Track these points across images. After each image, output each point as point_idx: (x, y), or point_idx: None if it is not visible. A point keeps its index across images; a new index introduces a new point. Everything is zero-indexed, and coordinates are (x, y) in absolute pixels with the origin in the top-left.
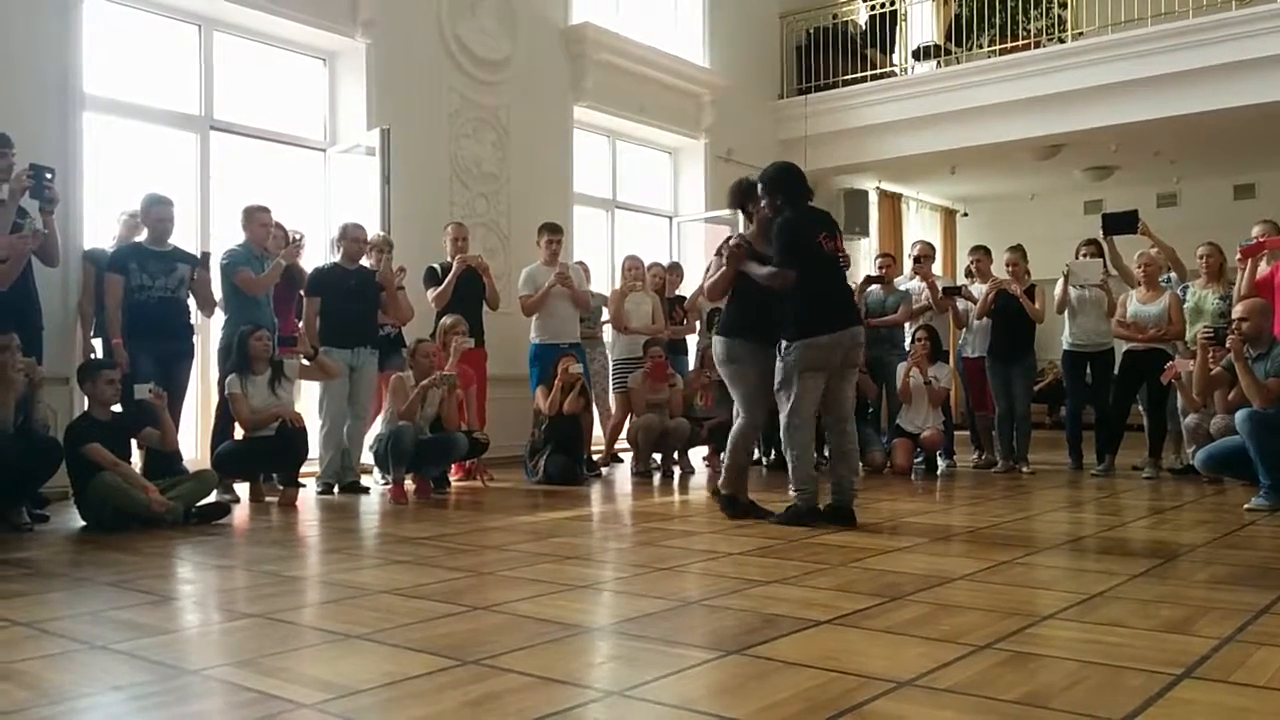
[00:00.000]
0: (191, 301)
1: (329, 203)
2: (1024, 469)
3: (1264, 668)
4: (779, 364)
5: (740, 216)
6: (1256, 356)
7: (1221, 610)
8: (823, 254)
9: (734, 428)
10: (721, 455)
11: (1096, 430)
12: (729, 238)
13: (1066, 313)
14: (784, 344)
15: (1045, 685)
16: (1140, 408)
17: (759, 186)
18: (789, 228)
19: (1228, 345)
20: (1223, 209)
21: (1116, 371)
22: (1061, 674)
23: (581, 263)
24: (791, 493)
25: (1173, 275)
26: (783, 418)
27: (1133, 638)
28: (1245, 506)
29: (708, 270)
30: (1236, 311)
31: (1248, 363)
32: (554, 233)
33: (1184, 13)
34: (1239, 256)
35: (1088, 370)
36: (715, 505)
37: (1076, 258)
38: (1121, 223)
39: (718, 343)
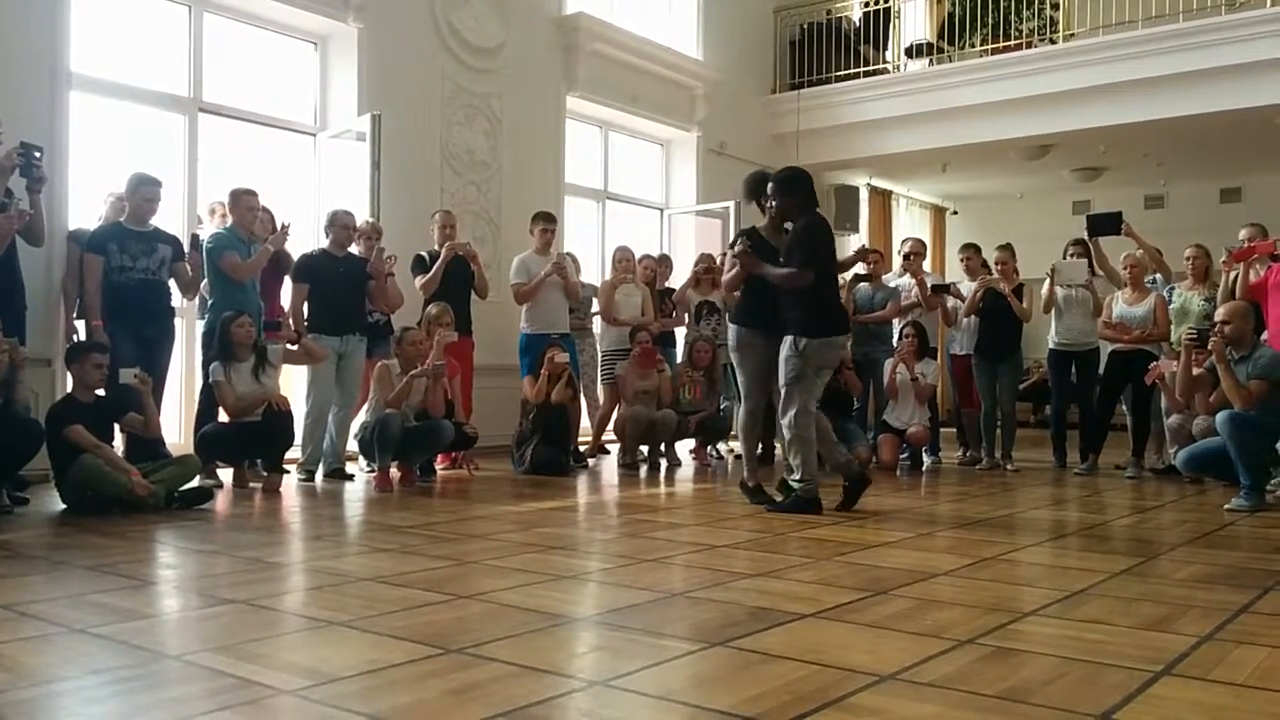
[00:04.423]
0: (174, 283)
1: (318, 188)
2: (1008, 466)
3: (1242, 665)
4: (792, 359)
5: (739, 208)
6: (1239, 359)
7: (1201, 609)
8: (833, 261)
9: (740, 417)
10: (709, 449)
11: (1081, 429)
12: (736, 239)
13: (1053, 312)
14: (800, 340)
15: (1026, 680)
16: (1124, 408)
17: (769, 186)
18: (816, 232)
19: (1210, 347)
20: (1209, 212)
21: (1102, 371)
22: (1042, 669)
23: (570, 254)
24: (795, 481)
25: (1158, 277)
26: (792, 412)
27: (1113, 635)
28: (1225, 507)
29: (724, 265)
30: (1219, 314)
31: (1229, 365)
32: (549, 222)
33: (1174, 16)
34: (1224, 260)
35: (1073, 369)
36: (738, 496)
37: (1064, 258)
38: (1105, 224)
39: (731, 330)
